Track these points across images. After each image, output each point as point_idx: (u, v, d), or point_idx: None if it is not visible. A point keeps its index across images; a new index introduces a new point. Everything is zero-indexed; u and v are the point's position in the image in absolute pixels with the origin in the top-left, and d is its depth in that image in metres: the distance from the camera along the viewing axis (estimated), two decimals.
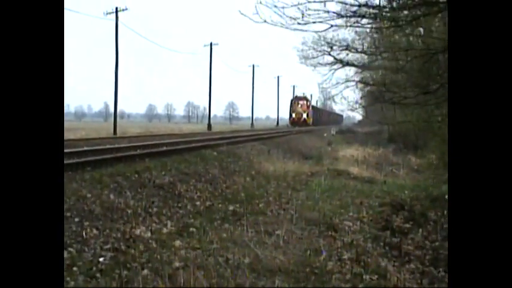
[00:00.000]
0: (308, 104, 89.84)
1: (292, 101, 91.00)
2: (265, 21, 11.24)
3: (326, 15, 11.32)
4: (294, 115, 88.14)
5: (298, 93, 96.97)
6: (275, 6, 10.93)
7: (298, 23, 11.25)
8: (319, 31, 13.73)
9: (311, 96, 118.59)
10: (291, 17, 11.09)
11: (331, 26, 12.30)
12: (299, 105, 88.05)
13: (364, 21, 13.20)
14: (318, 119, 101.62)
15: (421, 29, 17.54)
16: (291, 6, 10.86)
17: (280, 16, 11.06)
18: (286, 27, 11.57)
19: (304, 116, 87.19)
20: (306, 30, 12.07)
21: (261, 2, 10.83)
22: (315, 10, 11.07)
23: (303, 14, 11.05)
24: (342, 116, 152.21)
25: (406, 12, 11.70)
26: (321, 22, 11.47)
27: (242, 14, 11.50)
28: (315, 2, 11.00)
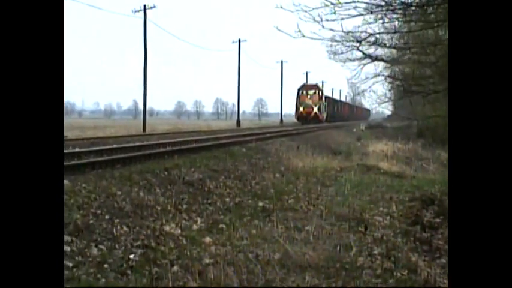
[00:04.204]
0: (320, 94, 69.40)
1: (299, 90, 70.02)
2: (303, 35, 11.33)
3: (355, 12, 11.33)
4: (301, 109, 68.13)
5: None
6: (314, 20, 11.02)
7: (332, 29, 11.30)
8: (357, 40, 13.69)
9: (340, 92, 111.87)
10: (319, 22, 11.13)
11: (370, 34, 12.43)
12: (308, 96, 68.03)
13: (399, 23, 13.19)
14: (336, 113, 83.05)
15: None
16: None
17: (312, 24, 11.16)
18: (322, 39, 11.71)
19: (315, 109, 67.17)
20: (342, 41, 12.15)
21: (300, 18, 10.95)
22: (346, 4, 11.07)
23: (334, 12, 11.06)
24: (369, 110, 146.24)
25: (439, 10, 11.59)
26: (353, 17, 11.49)
27: (279, 30, 11.56)
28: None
